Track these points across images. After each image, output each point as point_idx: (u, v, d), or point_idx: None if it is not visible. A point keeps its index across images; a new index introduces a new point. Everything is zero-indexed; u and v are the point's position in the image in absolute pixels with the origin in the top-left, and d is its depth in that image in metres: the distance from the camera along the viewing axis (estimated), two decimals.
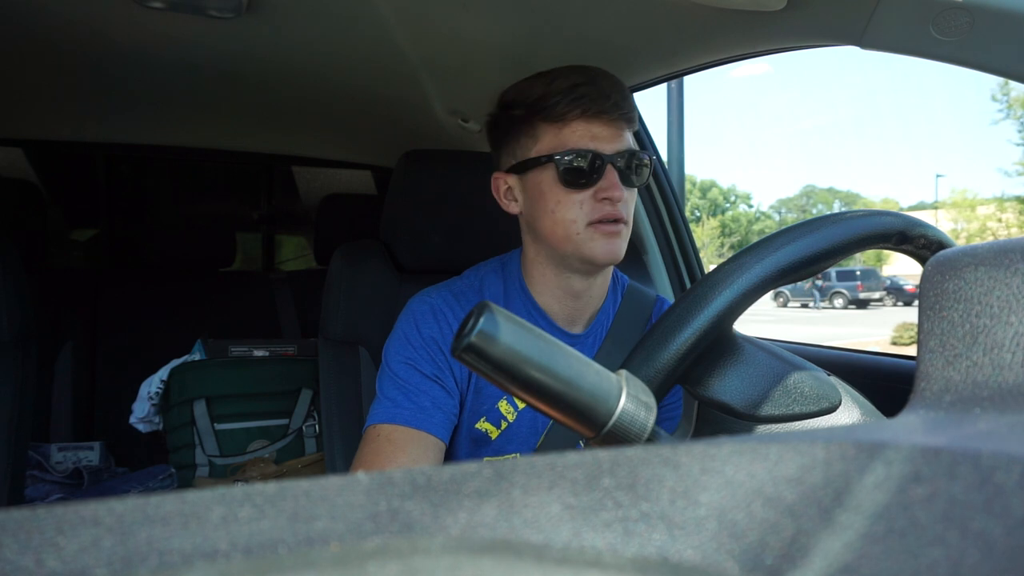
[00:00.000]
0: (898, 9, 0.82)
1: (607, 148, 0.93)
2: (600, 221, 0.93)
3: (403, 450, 0.91)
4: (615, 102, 0.92)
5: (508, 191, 1.02)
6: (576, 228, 0.94)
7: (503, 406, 1.02)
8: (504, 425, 1.02)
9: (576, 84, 0.92)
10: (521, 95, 0.97)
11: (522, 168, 0.98)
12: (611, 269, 1.07)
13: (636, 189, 0.98)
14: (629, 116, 0.95)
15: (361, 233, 1.54)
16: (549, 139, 0.95)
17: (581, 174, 0.92)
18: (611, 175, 0.93)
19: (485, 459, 1.01)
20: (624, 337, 1.05)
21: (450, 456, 1.01)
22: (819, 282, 23.56)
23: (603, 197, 0.92)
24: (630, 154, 0.94)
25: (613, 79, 0.96)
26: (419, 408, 0.93)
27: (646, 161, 0.96)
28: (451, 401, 0.96)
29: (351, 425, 1.20)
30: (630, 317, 1.07)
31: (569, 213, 0.94)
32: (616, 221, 0.94)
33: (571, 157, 0.92)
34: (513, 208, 1.02)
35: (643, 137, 1.60)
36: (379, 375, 1.00)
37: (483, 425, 1.01)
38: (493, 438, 1.02)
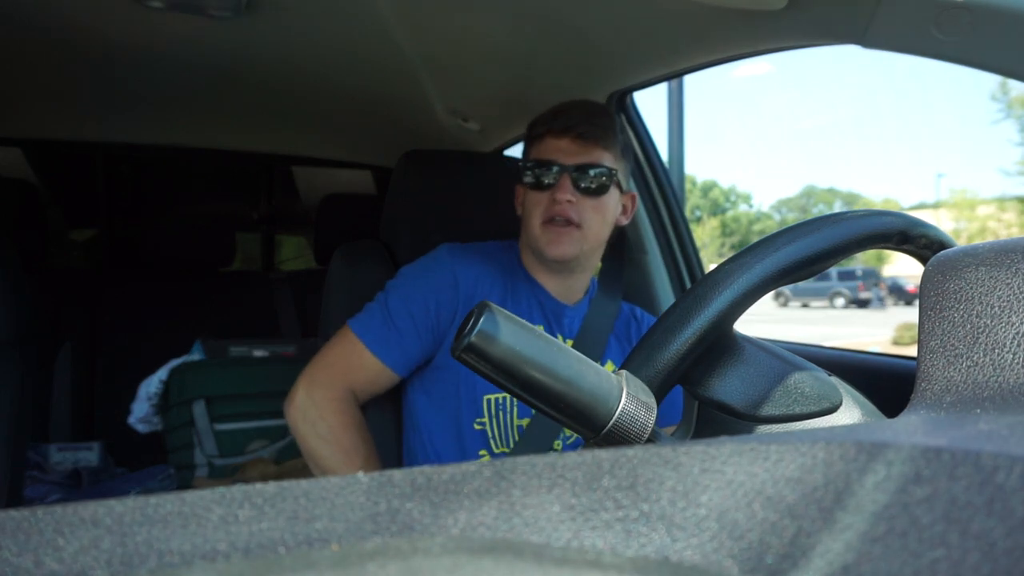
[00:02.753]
0: (899, 8, 0.82)
1: (568, 160, 1.10)
2: (552, 220, 1.10)
3: (359, 364, 1.10)
4: (581, 121, 1.11)
5: (519, 197, 1.20)
6: (535, 224, 1.12)
7: None
8: None
9: (559, 110, 1.14)
10: (532, 121, 1.17)
11: (520, 177, 1.17)
12: (587, 275, 1.23)
13: (602, 199, 1.12)
14: (596, 136, 1.11)
15: (361, 233, 1.54)
16: (530, 153, 1.15)
17: (538, 178, 1.12)
18: (564, 181, 1.10)
19: (484, 396, 1.09)
20: (600, 319, 1.21)
21: (456, 399, 1.11)
22: (877, 289, 22.82)
23: (554, 199, 1.09)
24: (589, 169, 1.10)
25: (597, 108, 1.16)
26: (384, 338, 1.10)
27: (603, 176, 1.12)
28: (417, 344, 1.10)
29: None
30: (602, 303, 1.24)
31: (531, 210, 1.13)
32: (568, 223, 1.10)
33: (532, 164, 1.13)
34: (520, 211, 1.19)
35: (647, 147, 1.60)
36: (387, 284, 1.15)
37: None
38: None
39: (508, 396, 1.10)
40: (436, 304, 1.10)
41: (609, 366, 1.18)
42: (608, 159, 1.12)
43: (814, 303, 24.05)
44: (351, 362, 1.10)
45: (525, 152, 1.18)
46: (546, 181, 1.11)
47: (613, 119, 1.16)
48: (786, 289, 23.31)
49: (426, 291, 1.11)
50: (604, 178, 1.11)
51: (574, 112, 1.13)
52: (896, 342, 12.19)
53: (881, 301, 22.64)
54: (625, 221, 1.21)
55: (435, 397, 1.14)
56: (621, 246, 1.44)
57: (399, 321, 1.10)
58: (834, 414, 0.53)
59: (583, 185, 1.10)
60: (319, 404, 1.08)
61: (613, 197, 1.14)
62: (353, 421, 1.09)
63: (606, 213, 1.14)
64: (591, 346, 1.16)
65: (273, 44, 1.40)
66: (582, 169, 1.10)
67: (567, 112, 1.13)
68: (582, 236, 1.11)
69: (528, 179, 1.13)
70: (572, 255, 1.12)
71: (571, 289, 1.20)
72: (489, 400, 1.11)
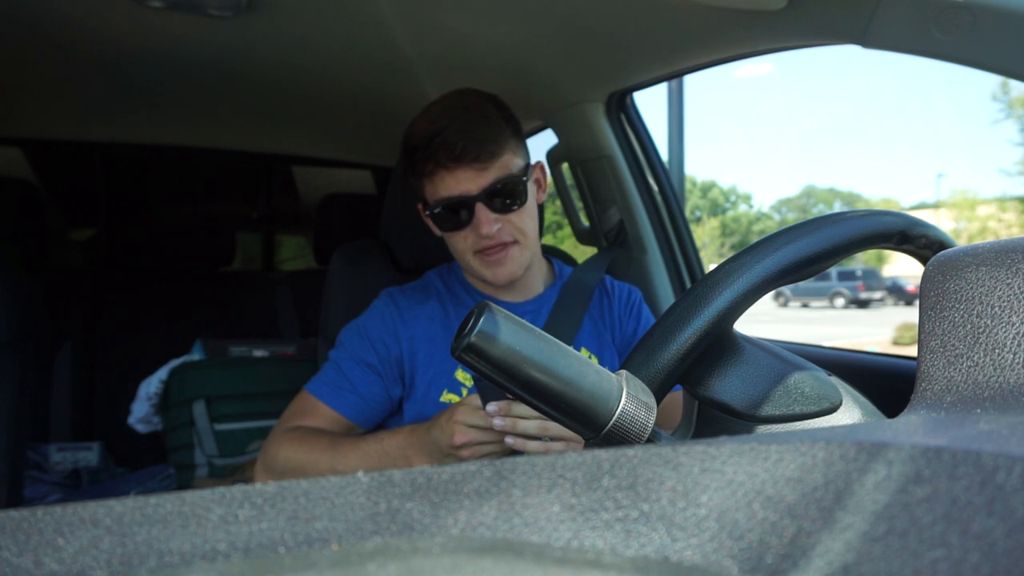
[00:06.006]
0: (899, 8, 0.82)
1: (473, 188, 0.98)
2: (483, 250, 1.02)
3: (312, 416, 1.06)
4: (469, 144, 0.96)
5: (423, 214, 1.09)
6: (467, 258, 1.04)
7: (459, 374, 1.08)
8: (465, 392, 1.08)
9: (434, 134, 0.97)
10: (406, 142, 1.04)
11: (427, 215, 1.07)
12: (539, 264, 1.16)
13: (525, 205, 1.02)
14: (492, 151, 0.98)
15: (361, 233, 1.54)
16: (426, 189, 1.03)
17: (453, 220, 1.01)
18: (481, 212, 0.99)
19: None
20: (570, 304, 1.14)
21: None
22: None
23: (479, 234, 1.00)
24: (500, 185, 0.99)
25: (475, 116, 0.99)
26: (336, 388, 1.06)
27: (517, 184, 1.00)
28: (375, 388, 1.07)
29: None
30: (575, 288, 1.16)
31: (458, 246, 1.04)
32: (500, 246, 1.01)
33: (439, 210, 1.01)
34: (436, 231, 1.08)
35: (648, 147, 1.60)
36: (336, 341, 1.13)
37: (447, 396, 1.08)
38: None
39: None
40: (384, 348, 1.07)
41: (584, 352, 1.17)
42: (512, 161, 1.01)
43: (814, 303, 24.03)
44: (304, 411, 1.07)
45: (416, 183, 1.06)
46: (462, 219, 1.00)
47: (491, 109, 1.02)
48: (786, 289, 23.30)
49: (373, 338, 1.08)
50: (519, 186, 1.00)
51: (454, 135, 0.96)
52: (896, 342, 12.20)
53: None
54: (543, 197, 1.12)
55: None
56: (618, 239, 1.44)
57: (349, 372, 1.07)
58: (834, 414, 0.53)
59: (502, 204, 1.00)
60: (270, 448, 1.03)
61: (531, 191, 1.05)
62: (300, 432, 1.02)
63: (532, 211, 1.05)
64: (560, 334, 1.12)
65: (273, 44, 1.40)
66: (494, 192, 0.98)
67: (447, 138, 0.96)
68: (521, 249, 1.03)
69: (442, 224, 1.03)
70: (520, 271, 1.05)
71: (526, 286, 1.14)
72: None
